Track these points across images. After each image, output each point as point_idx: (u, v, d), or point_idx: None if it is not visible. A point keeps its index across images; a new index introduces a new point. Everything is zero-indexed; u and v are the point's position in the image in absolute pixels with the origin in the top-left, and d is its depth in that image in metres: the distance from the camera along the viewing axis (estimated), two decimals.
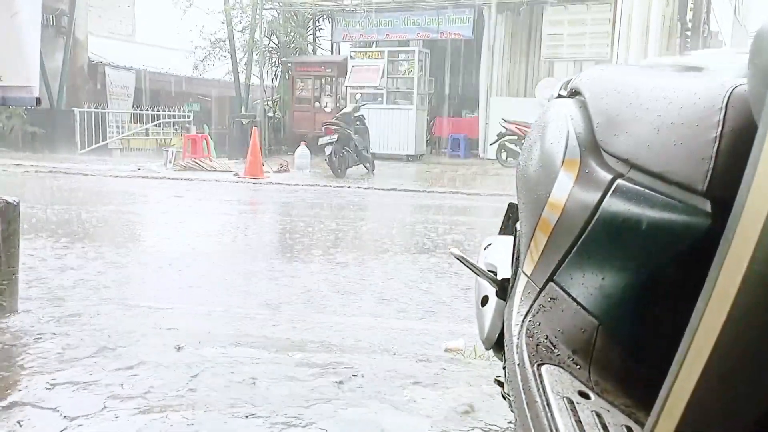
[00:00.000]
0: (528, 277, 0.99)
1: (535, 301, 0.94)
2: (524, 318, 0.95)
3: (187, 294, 3.48)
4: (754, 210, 0.44)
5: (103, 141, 15.25)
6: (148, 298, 3.28)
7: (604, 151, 0.93)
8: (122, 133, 16.37)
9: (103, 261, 4.24)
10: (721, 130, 0.69)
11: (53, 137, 14.55)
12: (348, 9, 14.23)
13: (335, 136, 10.07)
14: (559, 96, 1.22)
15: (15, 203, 2.04)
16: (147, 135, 16.62)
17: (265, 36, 15.10)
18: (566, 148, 1.00)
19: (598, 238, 0.84)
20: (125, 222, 6.30)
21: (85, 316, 2.76)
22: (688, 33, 10.18)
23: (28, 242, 4.46)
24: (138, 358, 2.24)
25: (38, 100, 2.03)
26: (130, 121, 16.98)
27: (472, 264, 1.22)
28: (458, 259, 1.23)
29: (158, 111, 16.73)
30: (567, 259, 0.89)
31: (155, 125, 16.61)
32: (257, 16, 14.56)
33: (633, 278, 0.79)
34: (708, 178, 0.69)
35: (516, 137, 11.31)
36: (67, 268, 3.94)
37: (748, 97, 0.62)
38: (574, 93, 1.16)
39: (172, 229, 5.88)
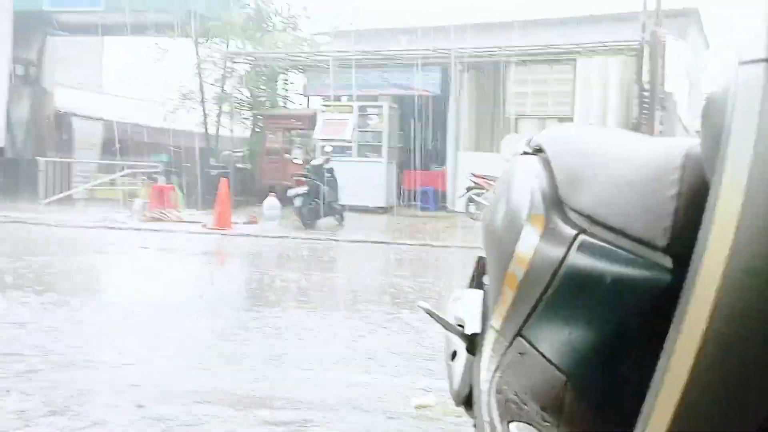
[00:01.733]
0: (496, 332, 0.99)
1: (503, 356, 0.94)
2: (493, 373, 0.94)
3: (148, 349, 3.37)
4: (710, 270, 0.45)
5: (67, 191, 14.99)
6: (109, 353, 3.17)
7: (568, 206, 0.95)
8: (88, 183, 16.13)
9: (63, 314, 4.10)
10: (679, 189, 0.71)
11: (16, 187, 14.26)
12: (319, 64, 14.52)
13: (305, 188, 10.09)
14: (524, 152, 1.25)
15: None
16: (113, 185, 16.41)
17: (236, 88, 15.25)
18: (531, 203, 1.02)
19: (563, 293, 0.85)
20: (86, 274, 6.13)
21: (42, 372, 2.65)
22: (645, 94, 10.63)
23: None
24: (96, 417, 2.15)
25: (2, 150, 2.00)
26: (97, 172, 16.78)
27: (440, 318, 1.22)
28: (427, 312, 1.22)
29: (125, 161, 16.58)
30: (534, 314, 0.89)
31: (122, 175, 16.43)
32: (228, 69, 14.74)
33: (598, 333, 0.79)
34: (668, 235, 0.70)
35: (484, 190, 11.49)
36: (24, 322, 3.80)
37: (702, 158, 0.65)
38: (538, 150, 1.19)
39: (135, 282, 5.74)
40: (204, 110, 15.53)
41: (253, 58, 15.17)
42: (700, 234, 0.49)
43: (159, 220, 10.96)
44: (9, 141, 14.07)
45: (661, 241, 0.71)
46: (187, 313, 4.46)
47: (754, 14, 0.51)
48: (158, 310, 4.47)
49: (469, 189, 11.86)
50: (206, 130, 15.52)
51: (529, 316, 0.90)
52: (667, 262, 0.71)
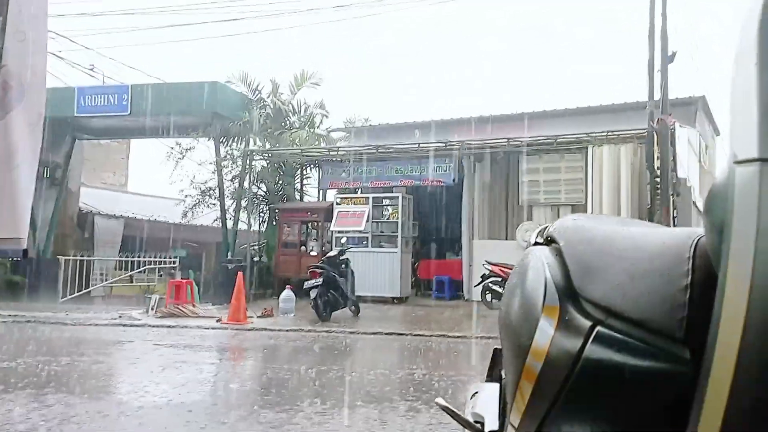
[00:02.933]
0: (515, 429, 0.96)
1: None
2: None
3: None
4: (722, 363, 0.45)
5: (86, 288, 15.12)
6: None
7: (582, 297, 0.94)
8: (107, 280, 16.29)
9: (72, 416, 4.02)
10: (691, 279, 0.71)
11: (36, 286, 14.42)
12: (334, 159, 14.93)
13: (320, 280, 10.08)
14: (536, 243, 1.26)
15: None
16: (131, 281, 16.56)
17: (254, 184, 15.64)
18: (545, 294, 1.01)
19: (583, 387, 0.83)
20: (96, 373, 6.05)
21: None
22: (658, 180, 10.72)
23: None
24: None
25: (26, 252, 2.05)
26: (115, 268, 16.99)
27: (457, 415, 1.19)
28: (444, 409, 1.19)
29: (144, 257, 16.82)
30: (554, 410, 0.87)
31: (140, 271, 16.61)
32: (247, 167, 15.19)
33: (619, 428, 0.77)
34: (684, 326, 0.70)
35: (500, 279, 11.39)
36: (35, 426, 3.73)
37: (708, 249, 0.66)
38: (550, 240, 1.19)
39: (145, 381, 5.64)
40: (222, 206, 15.87)
41: (270, 155, 15.66)
42: (711, 326, 0.49)
43: (174, 315, 10.93)
44: (32, 241, 14.38)
45: (679, 332, 0.71)
46: (198, 413, 4.35)
47: (749, 112, 0.52)
48: (167, 410, 4.37)
49: (484, 277, 11.78)
50: (224, 225, 15.79)
51: (548, 411, 0.88)
52: (686, 353, 0.70)
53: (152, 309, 11.38)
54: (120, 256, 17.35)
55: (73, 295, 14.58)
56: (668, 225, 8.94)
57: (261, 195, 16.13)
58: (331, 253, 11.00)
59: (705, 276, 0.70)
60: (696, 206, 12.66)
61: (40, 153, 2.18)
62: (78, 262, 15.12)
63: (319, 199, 15.97)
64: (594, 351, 0.82)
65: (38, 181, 2.23)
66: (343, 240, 12.01)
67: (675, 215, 10.85)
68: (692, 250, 0.73)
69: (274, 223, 15.35)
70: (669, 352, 0.72)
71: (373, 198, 13.59)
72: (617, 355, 0.78)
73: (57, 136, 15.63)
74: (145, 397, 4.83)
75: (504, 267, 11.26)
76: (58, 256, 15.21)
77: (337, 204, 13.83)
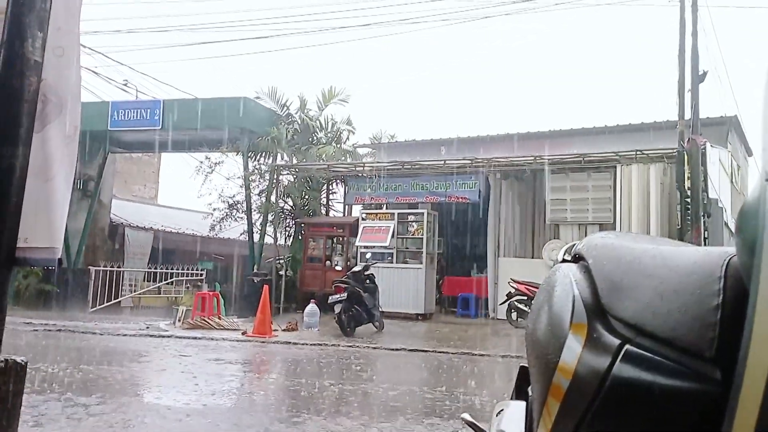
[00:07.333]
0: None
1: None
2: None
3: None
4: (753, 382, 0.45)
5: (115, 299, 15.38)
6: None
7: (611, 315, 0.94)
8: (135, 290, 16.55)
9: (94, 424, 4.08)
10: (723, 298, 0.71)
11: (66, 295, 14.72)
12: (360, 174, 15.00)
13: (345, 294, 10.10)
14: (563, 260, 1.26)
15: (23, 363, 2.02)
16: (159, 293, 16.79)
17: (280, 199, 15.79)
18: (573, 311, 1.01)
19: (611, 406, 0.83)
20: (121, 383, 6.13)
21: None
22: (688, 200, 10.52)
23: (27, 401, 4.34)
24: None
25: (60, 261, 2.09)
26: (144, 279, 17.25)
27: (483, 431, 1.18)
28: (469, 425, 1.19)
29: (172, 269, 17.05)
30: (581, 428, 0.86)
31: (168, 283, 16.84)
32: (274, 181, 15.35)
33: None
34: (715, 345, 0.69)
35: (525, 297, 11.27)
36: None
37: (740, 268, 0.65)
38: (578, 258, 1.19)
39: (170, 391, 5.70)
40: (249, 220, 16.04)
41: (297, 170, 15.81)
42: (742, 346, 0.49)
43: (200, 327, 11.04)
44: (64, 251, 14.70)
45: (709, 352, 0.70)
46: (219, 426, 4.37)
47: None
48: (189, 422, 4.40)
49: (510, 296, 11.66)
50: (251, 238, 15.95)
51: (576, 429, 0.87)
52: (716, 373, 0.69)
53: (179, 320, 11.52)
54: (149, 268, 17.62)
55: (102, 305, 14.83)
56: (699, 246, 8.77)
57: (287, 209, 16.27)
58: (356, 268, 11.02)
59: (737, 296, 0.69)
60: (728, 227, 12.40)
61: (75, 165, 2.24)
62: (108, 272, 15.39)
63: (344, 214, 16.04)
64: (623, 369, 0.82)
65: (72, 192, 2.29)
66: (368, 255, 12.02)
67: (706, 236, 10.63)
68: (724, 269, 0.72)
69: (300, 237, 15.45)
70: (699, 372, 0.71)
71: (399, 214, 13.60)
72: (646, 374, 0.78)
73: (91, 149, 16.01)
74: (169, 404, 4.88)
75: (530, 285, 11.15)
76: (89, 267, 15.52)
77: (363, 219, 13.87)
